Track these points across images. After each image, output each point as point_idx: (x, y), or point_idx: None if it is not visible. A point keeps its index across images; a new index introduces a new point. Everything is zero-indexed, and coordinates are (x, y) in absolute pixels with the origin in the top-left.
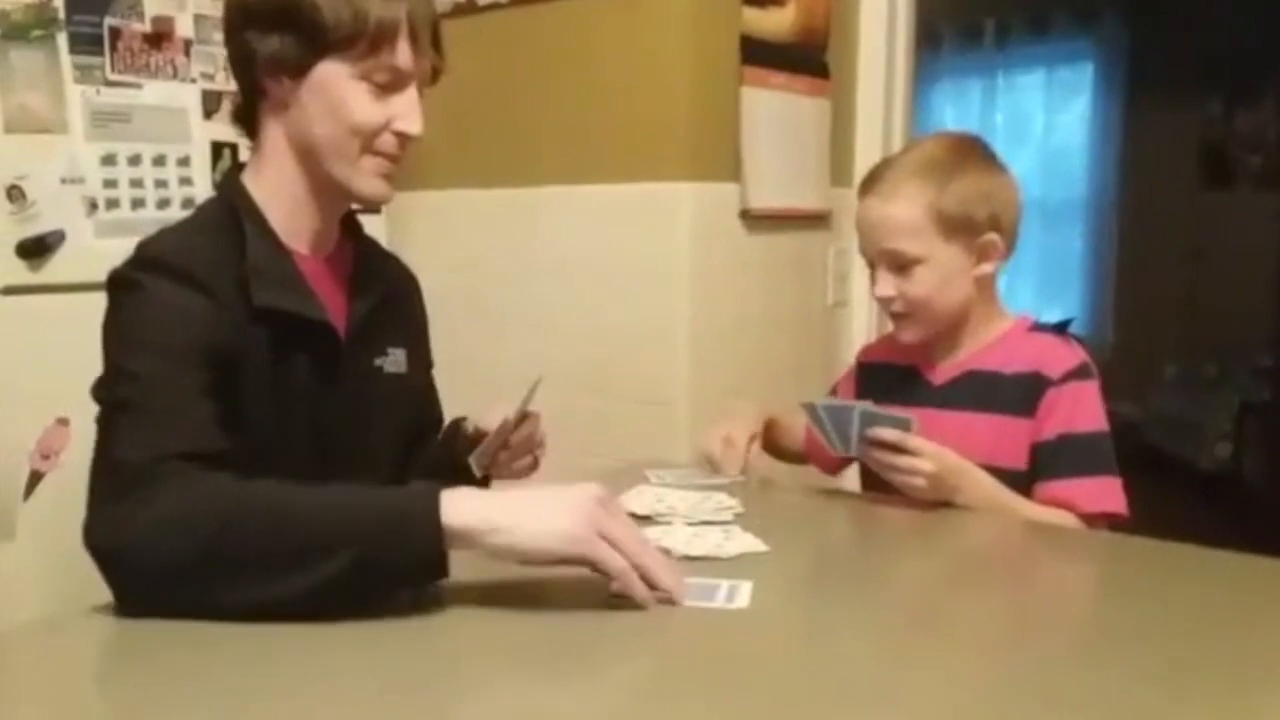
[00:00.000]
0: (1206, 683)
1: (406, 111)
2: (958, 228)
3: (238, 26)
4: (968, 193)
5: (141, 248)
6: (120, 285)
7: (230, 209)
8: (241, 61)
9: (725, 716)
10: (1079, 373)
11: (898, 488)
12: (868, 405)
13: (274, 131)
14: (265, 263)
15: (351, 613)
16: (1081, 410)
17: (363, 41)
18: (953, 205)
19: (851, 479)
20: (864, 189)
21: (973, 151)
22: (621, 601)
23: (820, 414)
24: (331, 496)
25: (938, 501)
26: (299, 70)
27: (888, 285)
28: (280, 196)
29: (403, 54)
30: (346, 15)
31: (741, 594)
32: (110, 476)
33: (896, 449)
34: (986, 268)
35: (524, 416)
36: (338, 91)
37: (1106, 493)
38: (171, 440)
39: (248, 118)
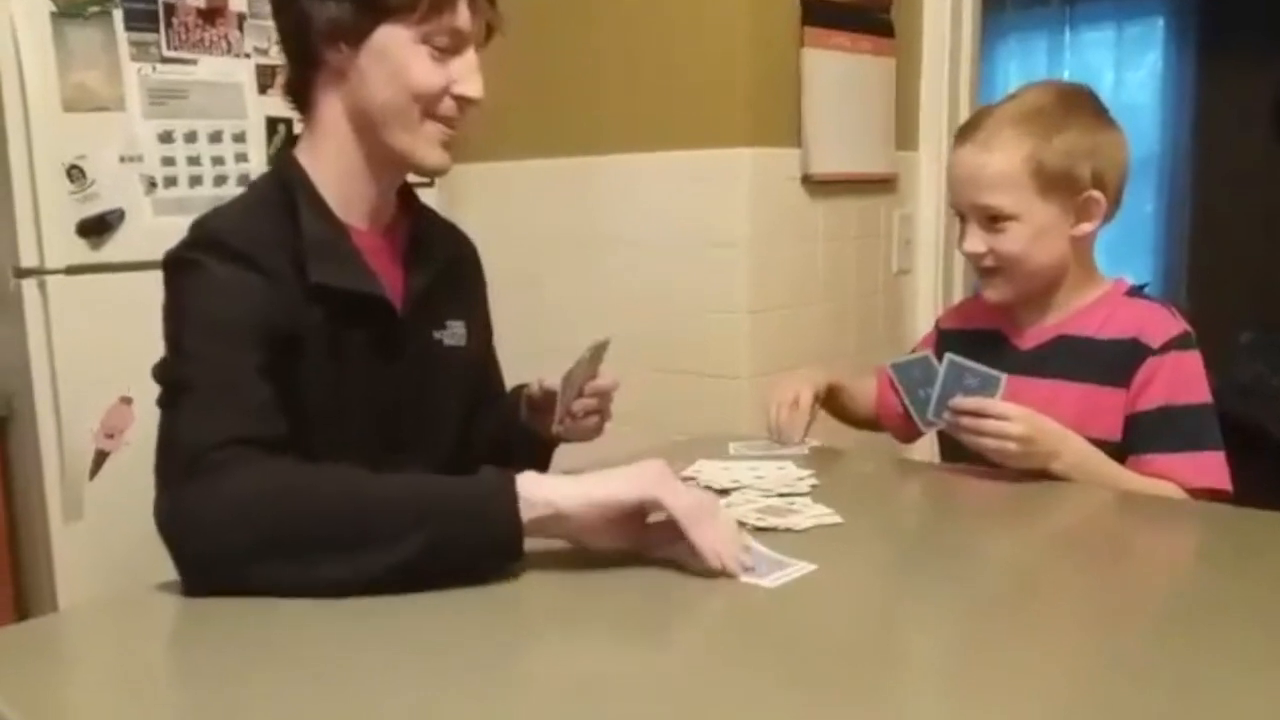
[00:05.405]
0: None
1: (466, 74)
2: (1057, 183)
3: None
4: (1072, 146)
5: (196, 227)
6: (177, 266)
7: (284, 185)
8: (296, 31)
9: (794, 686)
10: (1181, 342)
11: (988, 456)
12: (953, 358)
13: (330, 103)
14: (321, 239)
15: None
16: (1184, 381)
17: (423, 3)
18: (1054, 159)
19: (928, 449)
20: (961, 136)
21: (1082, 102)
22: (692, 565)
23: (901, 375)
24: (401, 480)
25: (1030, 471)
26: (358, 36)
27: (977, 241)
28: (336, 170)
29: (462, 15)
30: None
31: (812, 567)
32: (175, 460)
33: (982, 414)
34: (1086, 227)
35: (591, 374)
36: (399, 56)
37: (1210, 468)
38: (234, 424)
39: (301, 91)
